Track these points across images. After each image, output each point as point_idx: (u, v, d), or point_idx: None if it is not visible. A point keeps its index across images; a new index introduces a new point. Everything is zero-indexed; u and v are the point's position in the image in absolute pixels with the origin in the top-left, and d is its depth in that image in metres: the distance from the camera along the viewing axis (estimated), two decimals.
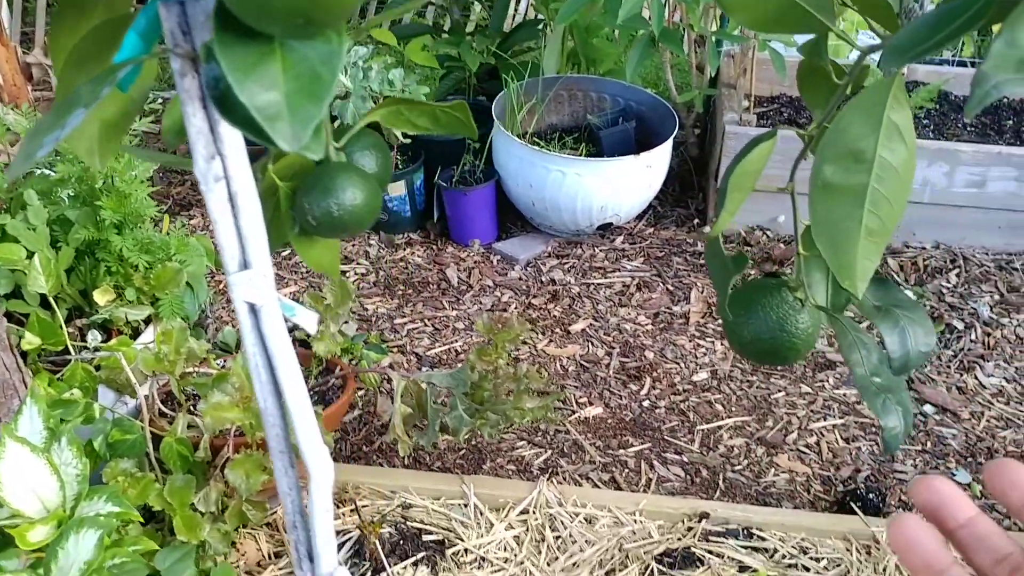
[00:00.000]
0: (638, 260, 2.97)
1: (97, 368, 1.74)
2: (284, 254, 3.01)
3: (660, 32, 2.74)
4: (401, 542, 1.85)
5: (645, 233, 3.10)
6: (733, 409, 2.35)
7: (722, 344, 2.59)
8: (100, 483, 1.59)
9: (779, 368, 2.48)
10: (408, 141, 3.01)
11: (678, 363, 2.52)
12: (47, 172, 1.91)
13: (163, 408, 1.82)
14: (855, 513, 1.95)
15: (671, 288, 2.84)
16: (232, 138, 0.46)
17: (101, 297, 1.83)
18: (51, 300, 1.75)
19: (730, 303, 0.74)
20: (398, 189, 2.99)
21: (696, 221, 3.15)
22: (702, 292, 2.81)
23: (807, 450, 2.21)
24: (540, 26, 3.43)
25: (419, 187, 3.05)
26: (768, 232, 3.02)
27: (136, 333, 1.92)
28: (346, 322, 2.03)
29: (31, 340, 1.68)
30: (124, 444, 1.69)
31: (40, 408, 1.39)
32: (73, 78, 0.52)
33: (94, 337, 1.81)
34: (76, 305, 1.90)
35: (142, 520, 1.47)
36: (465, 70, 3.35)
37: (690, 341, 2.61)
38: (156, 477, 1.66)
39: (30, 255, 1.73)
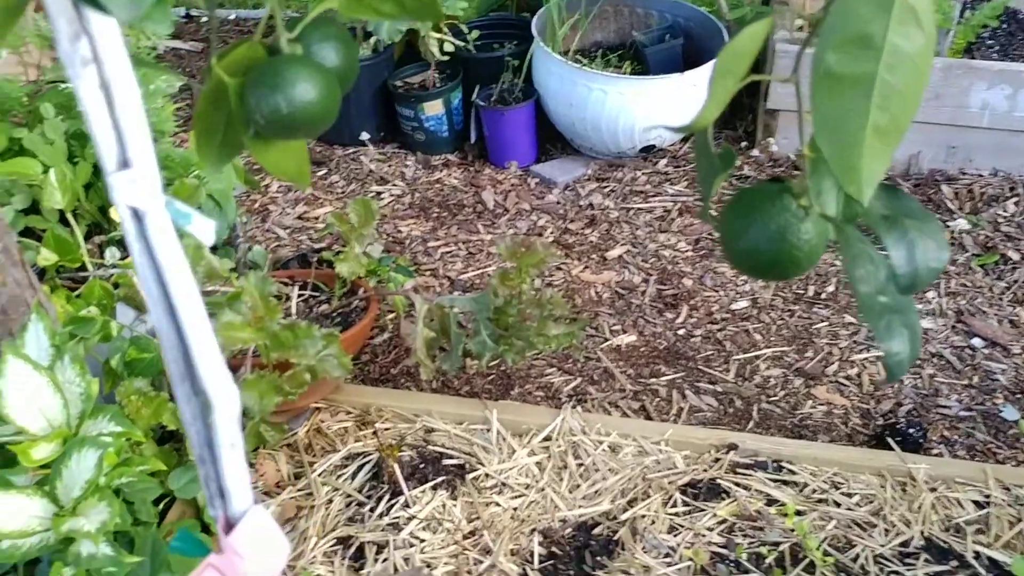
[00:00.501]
0: (681, 184, 2.88)
1: (115, 286, 1.72)
2: (319, 173, 2.97)
3: None
4: (421, 466, 1.83)
5: (690, 156, 2.99)
6: (772, 339, 2.27)
7: None
8: (115, 402, 1.58)
9: (821, 297, 2.39)
10: (446, 58, 2.92)
11: (717, 291, 2.44)
12: (64, 85, 1.87)
13: None
14: (892, 448, 1.87)
15: (714, 212, 2.74)
16: (97, 24, 0.40)
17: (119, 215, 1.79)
18: (68, 216, 1.72)
19: (728, 210, 0.67)
20: (435, 108, 2.92)
21: (744, 144, 3.03)
22: None
23: (847, 382, 2.13)
24: None
25: (457, 106, 2.97)
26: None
27: None
28: (372, 243, 1.98)
29: (47, 256, 1.66)
30: (141, 363, 1.67)
31: (46, 325, 1.37)
32: None
33: (112, 254, 1.79)
34: (95, 222, 1.87)
35: (144, 439, 1.45)
36: None
37: (731, 269, 2.53)
38: (171, 396, 1.65)
39: (46, 170, 1.70)
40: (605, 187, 2.87)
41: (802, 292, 2.41)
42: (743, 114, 3.17)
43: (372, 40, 2.91)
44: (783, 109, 2.87)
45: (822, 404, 2.08)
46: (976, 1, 3.21)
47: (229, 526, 0.47)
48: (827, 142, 0.58)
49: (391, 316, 2.34)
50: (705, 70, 2.79)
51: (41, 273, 1.71)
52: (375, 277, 2.15)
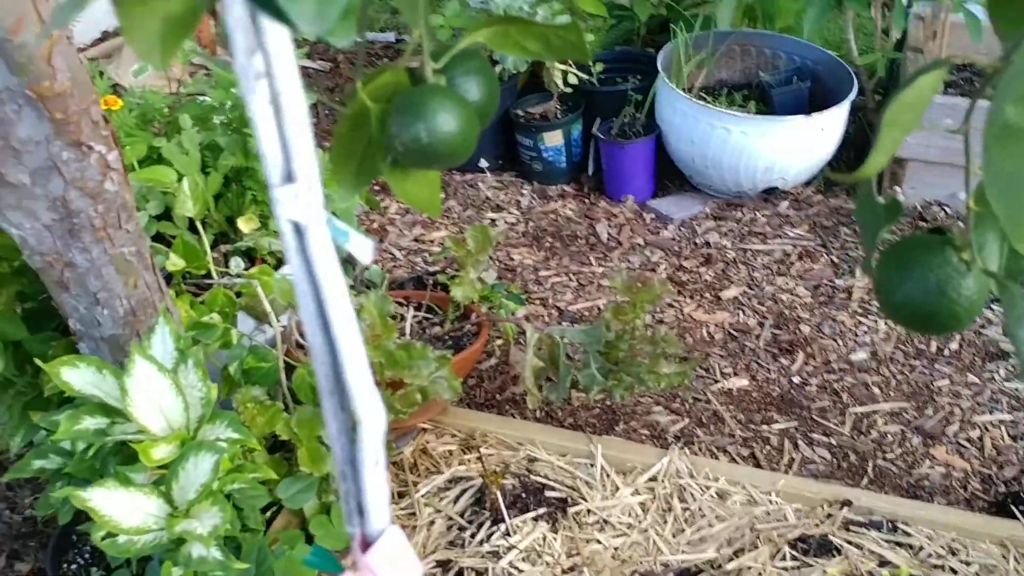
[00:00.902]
0: (802, 227, 2.81)
1: (238, 295, 1.76)
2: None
3: None
4: (523, 495, 1.81)
5: (813, 200, 2.93)
6: (891, 393, 2.19)
7: (886, 323, 2.42)
8: (231, 408, 1.61)
9: (944, 354, 2.30)
10: (569, 90, 2.93)
11: (835, 340, 2.37)
12: (203, 98, 1.94)
13: (300, 340, 1.83)
14: (1016, 518, 1.78)
15: (835, 260, 2.68)
16: (277, 31, 0.40)
17: (246, 225, 1.85)
18: (198, 224, 1.78)
19: (884, 259, 0.64)
20: (555, 139, 2.92)
21: None
22: None
23: (968, 444, 2.04)
24: None
25: (576, 138, 2.97)
26: (947, 208, 2.80)
27: (279, 263, 1.94)
28: (486, 269, 1.99)
29: (175, 262, 1.71)
30: (258, 372, 1.70)
31: (171, 329, 1.41)
32: None
33: (237, 264, 1.84)
34: (222, 231, 1.93)
35: (258, 447, 1.48)
36: (634, 20, 3.24)
37: (851, 317, 2.45)
38: (286, 407, 1.67)
39: (180, 178, 1.76)
40: (722, 226, 2.83)
41: (924, 347, 2.32)
42: None
43: (497, 69, 2.94)
44: (911, 158, 2.78)
45: (941, 465, 1.99)
46: None
47: (366, 544, 0.47)
48: (999, 197, 0.55)
49: (499, 342, 2.34)
50: (833, 114, 2.73)
51: (168, 278, 1.77)
52: (487, 303, 2.15)
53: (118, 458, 1.40)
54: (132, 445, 1.31)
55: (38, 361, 1.38)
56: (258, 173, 1.86)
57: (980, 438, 2.05)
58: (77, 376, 1.36)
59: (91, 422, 1.36)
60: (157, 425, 1.33)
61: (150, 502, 1.27)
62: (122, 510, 1.23)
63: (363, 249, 0.46)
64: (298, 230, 0.44)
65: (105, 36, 3.74)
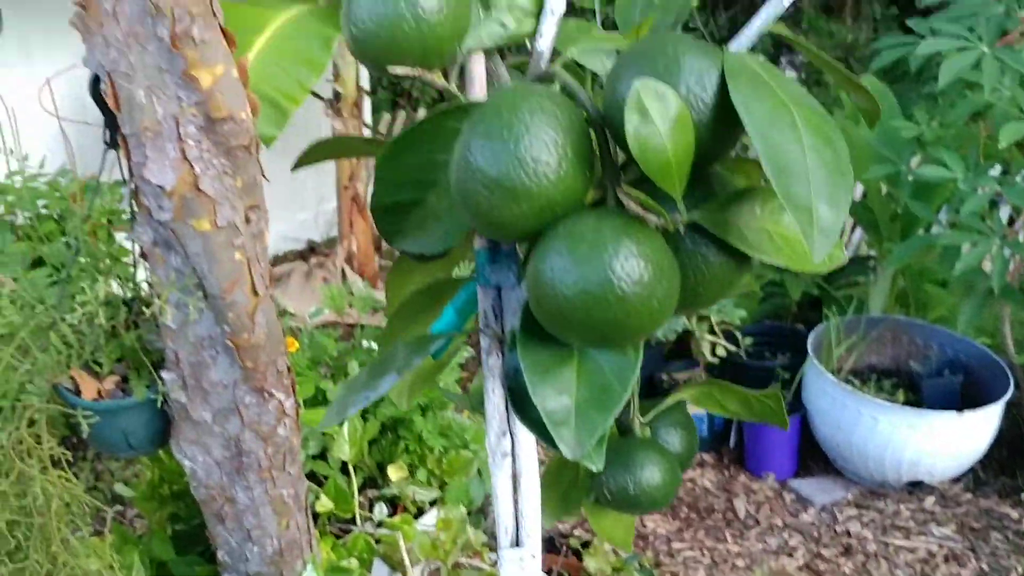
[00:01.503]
0: (949, 527, 2.69)
1: (377, 542, 1.80)
2: None
3: (1001, 287, 2.55)
4: None
5: (961, 498, 2.82)
6: None
7: None
8: None
9: None
10: (716, 361, 2.97)
11: None
12: (367, 344, 2.06)
13: None
14: None
15: (985, 567, 2.54)
16: (525, 440, 0.46)
17: (394, 473, 1.91)
18: (350, 468, 1.85)
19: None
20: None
21: (1023, 495, 2.82)
22: None
23: None
24: (870, 263, 3.33)
25: None
26: None
27: (420, 512, 1.98)
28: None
29: (325, 503, 1.77)
30: None
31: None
32: (397, 328, 0.55)
33: (381, 510, 1.89)
34: (371, 476, 1.99)
35: None
36: (785, 296, 3.30)
37: None
38: None
39: (341, 423, 1.85)
40: (864, 515, 2.74)
41: None
42: None
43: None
44: None
45: None
46: None
47: None
48: None
49: None
50: (986, 412, 2.67)
51: (315, 517, 1.83)
52: (618, 574, 2.12)
53: None
54: None
55: None
56: (414, 424, 1.94)
57: None
58: None
59: None
60: None
61: None
62: None
63: None
64: None
65: (275, 261, 4.03)
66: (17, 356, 1.49)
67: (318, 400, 1.92)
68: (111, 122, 1.34)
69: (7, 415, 1.46)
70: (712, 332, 2.93)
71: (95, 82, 1.31)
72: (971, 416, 2.65)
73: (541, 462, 0.62)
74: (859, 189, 3.47)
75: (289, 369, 1.51)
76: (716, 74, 0.38)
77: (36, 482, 1.52)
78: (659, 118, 0.37)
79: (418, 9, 0.40)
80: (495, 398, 0.46)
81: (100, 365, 1.51)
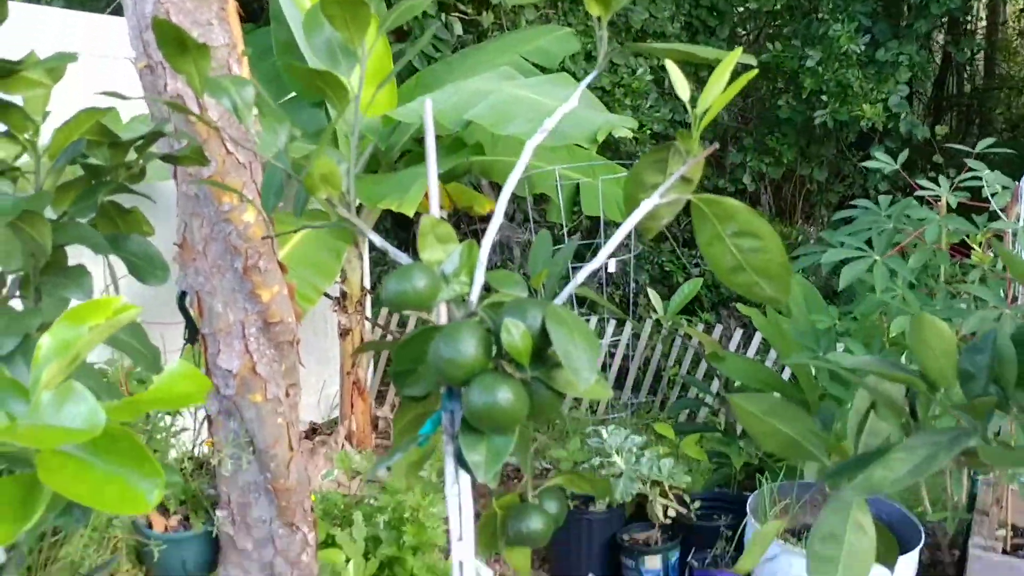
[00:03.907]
0: None
1: None
2: None
3: None
4: None
5: None
6: None
7: None
8: None
9: None
10: (668, 521, 3.41)
11: None
12: (372, 501, 2.52)
13: None
14: None
15: None
16: (464, 477, 0.95)
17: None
18: None
19: None
20: (654, 563, 3.35)
21: None
22: None
23: None
24: None
25: (674, 564, 3.39)
26: None
27: None
28: None
29: None
30: None
31: None
32: (400, 437, 1.05)
33: None
34: None
35: None
36: (731, 467, 3.76)
37: None
38: None
39: (347, 561, 2.29)
40: None
41: None
42: None
43: (607, 498, 3.46)
44: None
45: None
46: None
47: None
48: None
49: None
50: (901, 562, 3.09)
51: None
52: None
53: None
54: None
55: None
56: (407, 563, 2.38)
57: None
58: None
59: None
60: None
61: None
62: None
63: (487, 572, 0.97)
64: (460, 566, 0.96)
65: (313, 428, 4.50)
66: None
67: (327, 543, 2.36)
68: (190, 324, 1.87)
69: (97, 543, 1.91)
70: (664, 496, 3.38)
71: (182, 296, 1.85)
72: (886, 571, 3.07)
73: (478, 515, 1.11)
74: (787, 372, 4.01)
75: (312, 509, 1.97)
76: (542, 315, 0.90)
77: None
78: (516, 333, 0.88)
79: (416, 287, 0.92)
80: (450, 467, 0.95)
81: (167, 508, 1.98)
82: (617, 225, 3.71)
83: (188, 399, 0.83)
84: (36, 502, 0.80)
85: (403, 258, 1.00)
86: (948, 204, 3.30)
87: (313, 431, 4.81)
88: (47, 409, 0.75)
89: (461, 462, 0.92)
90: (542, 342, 0.91)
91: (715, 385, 4.40)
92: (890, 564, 1.16)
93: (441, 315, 1.02)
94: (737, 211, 0.96)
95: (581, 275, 0.97)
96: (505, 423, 0.88)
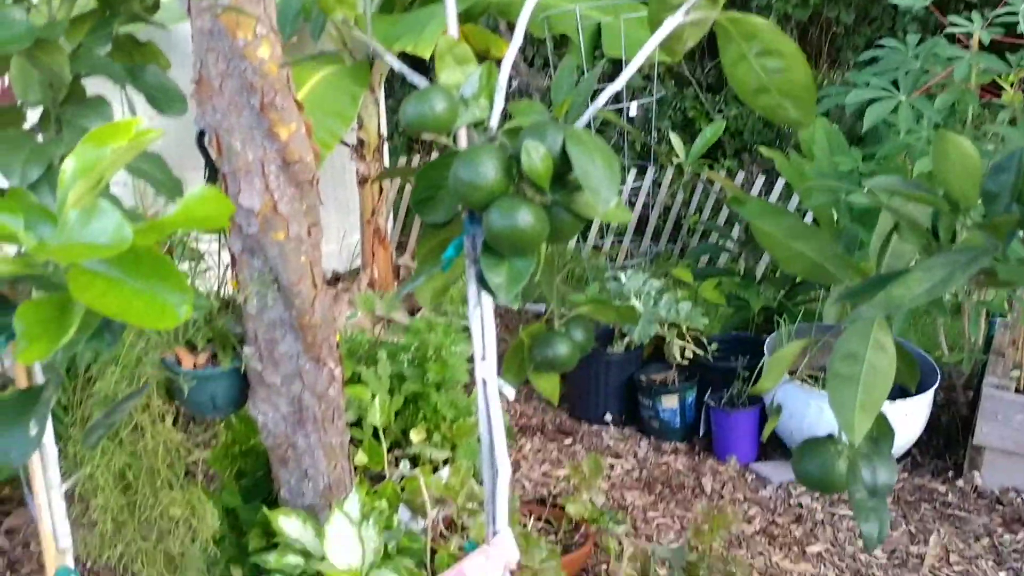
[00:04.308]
0: (889, 500, 3.16)
1: (402, 489, 2.30)
2: (566, 442, 3.52)
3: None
4: None
5: (899, 477, 3.29)
6: None
7: None
8: None
9: None
10: (686, 363, 3.47)
11: None
12: (395, 340, 2.57)
13: (444, 531, 2.33)
14: None
15: (913, 530, 3.01)
16: (486, 299, 0.97)
17: (415, 436, 2.41)
18: (380, 432, 2.35)
19: (797, 449, 1.14)
20: (671, 402, 3.43)
21: (951, 474, 3.29)
22: (943, 538, 2.96)
23: None
24: None
25: (690, 403, 3.48)
26: (1023, 494, 3.12)
27: (435, 469, 2.47)
28: (597, 493, 2.46)
29: (361, 458, 2.27)
30: (410, 550, 2.20)
31: (360, 496, 1.95)
32: (424, 264, 1.06)
33: (405, 466, 2.39)
34: (396, 440, 2.50)
35: None
36: (749, 310, 3.80)
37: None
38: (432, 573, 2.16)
39: (373, 396, 2.36)
40: (815, 492, 3.21)
41: None
42: (957, 449, 3.45)
43: (626, 339, 3.52)
44: (988, 447, 3.15)
45: None
46: None
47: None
48: (837, 411, 1.05)
49: (605, 567, 2.76)
50: (915, 402, 3.15)
51: (354, 468, 2.32)
52: (595, 524, 2.60)
53: None
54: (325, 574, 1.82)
55: (265, 510, 1.93)
56: (430, 398, 2.45)
57: None
58: (288, 523, 1.90)
59: (293, 559, 1.88)
60: (342, 563, 1.84)
61: None
62: None
63: (509, 390, 1.00)
64: (484, 383, 0.98)
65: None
66: (135, 337, 2.01)
67: (354, 379, 2.43)
68: (210, 163, 1.87)
69: (128, 380, 1.97)
70: (681, 337, 3.43)
71: (200, 135, 1.85)
72: (902, 404, 3.13)
73: (504, 339, 1.13)
74: (809, 217, 3.99)
75: (338, 345, 2.02)
76: (562, 137, 0.89)
77: (147, 431, 2.03)
78: (536, 155, 0.87)
79: (434, 110, 0.91)
80: (472, 289, 0.97)
81: (195, 345, 2.03)
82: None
83: (211, 221, 0.84)
84: (69, 321, 0.83)
85: (422, 82, 0.99)
86: (980, 42, 3.20)
87: (336, 279, 4.88)
88: (74, 227, 0.76)
89: (483, 284, 0.93)
90: (563, 166, 0.90)
91: (736, 232, 4.39)
92: (910, 386, 1.18)
93: (461, 141, 1.01)
94: (761, 29, 0.94)
95: (602, 98, 0.96)
96: (525, 246, 0.89)
